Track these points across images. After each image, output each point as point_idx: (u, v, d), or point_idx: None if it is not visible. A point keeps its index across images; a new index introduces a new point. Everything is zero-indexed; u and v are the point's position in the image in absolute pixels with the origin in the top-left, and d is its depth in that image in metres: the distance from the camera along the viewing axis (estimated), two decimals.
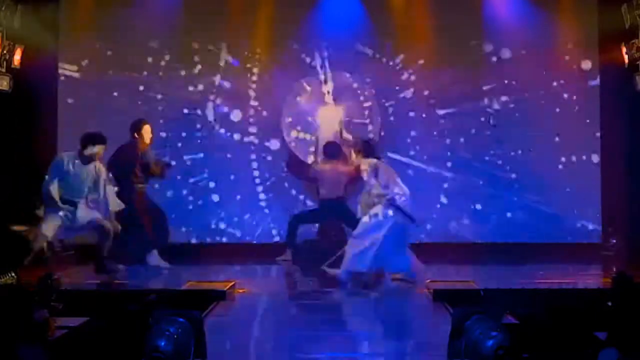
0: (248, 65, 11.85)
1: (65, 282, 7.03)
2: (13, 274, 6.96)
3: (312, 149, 11.50)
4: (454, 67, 11.79)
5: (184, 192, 11.79)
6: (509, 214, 11.77)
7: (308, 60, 11.86)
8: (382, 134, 11.79)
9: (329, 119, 11.64)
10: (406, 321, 7.67)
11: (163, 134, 11.71)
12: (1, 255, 9.60)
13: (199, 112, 11.84)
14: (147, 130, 10.31)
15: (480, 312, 5.35)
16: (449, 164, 11.82)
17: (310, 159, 11.46)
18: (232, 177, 11.81)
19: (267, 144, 11.84)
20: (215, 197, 11.81)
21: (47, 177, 9.13)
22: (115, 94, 11.73)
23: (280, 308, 8.29)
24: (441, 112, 11.84)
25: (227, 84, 11.86)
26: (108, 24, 11.65)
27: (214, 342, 5.82)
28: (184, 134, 11.82)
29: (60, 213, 9.03)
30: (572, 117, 11.80)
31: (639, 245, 10.85)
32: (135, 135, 10.24)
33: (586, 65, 11.83)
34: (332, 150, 11.08)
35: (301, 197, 11.77)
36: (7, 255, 9.60)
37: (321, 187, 11.00)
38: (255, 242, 11.77)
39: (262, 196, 11.82)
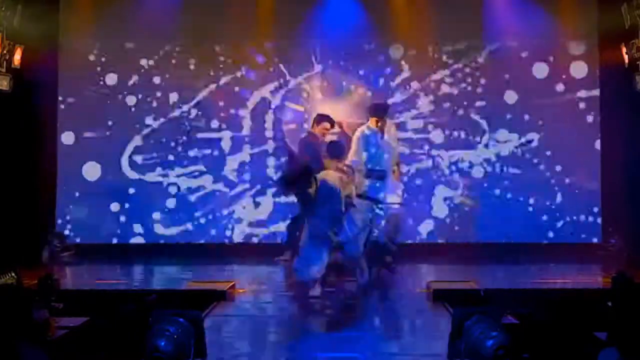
0: (247, 65, 11.85)
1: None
2: (13, 274, 6.97)
3: None
4: (454, 66, 11.81)
5: (185, 191, 11.79)
6: (509, 215, 11.77)
7: (307, 58, 11.85)
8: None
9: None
10: (406, 321, 7.67)
11: (162, 135, 11.75)
12: (1, 255, 9.63)
13: (198, 111, 11.84)
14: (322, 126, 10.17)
15: (480, 312, 5.35)
16: (448, 164, 11.82)
17: None
18: (233, 177, 11.80)
19: (266, 143, 11.83)
20: (216, 198, 11.81)
21: None
22: (115, 93, 11.74)
23: (280, 308, 8.29)
24: (441, 111, 11.84)
25: (226, 83, 11.86)
26: (108, 24, 11.65)
27: (214, 342, 5.82)
28: (182, 135, 11.82)
29: None
30: (571, 116, 11.80)
31: (639, 245, 10.85)
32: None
33: (586, 65, 11.82)
34: (336, 150, 10.81)
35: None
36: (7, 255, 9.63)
37: None
38: (255, 242, 11.77)
39: (262, 197, 11.81)
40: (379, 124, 9.65)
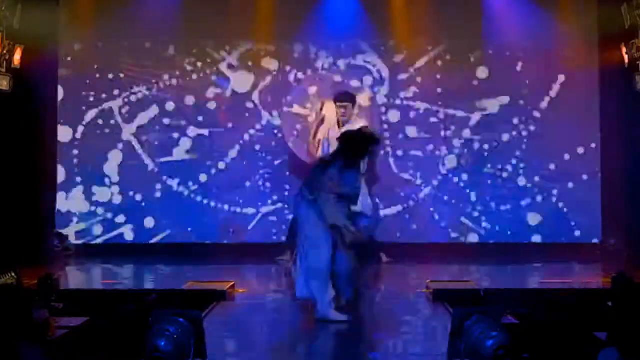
0: (248, 65, 11.85)
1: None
2: (13, 274, 6.97)
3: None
4: (454, 66, 11.81)
5: (185, 191, 11.79)
6: (508, 214, 11.77)
7: (308, 59, 11.86)
8: (383, 133, 11.79)
9: (330, 117, 11.63)
10: (406, 321, 7.66)
11: (162, 135, 11.76)
12: (1, 255, 9.63)
13: (198, 111, 11.84)
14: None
15: (480, 312, 5.35)
16: (448, 164, 11.82)
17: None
18: (232, 177, 11.81)
19: (268, 142, 11.83)
20: (216, 197, 11.81)
21: None
22: (115, 93, 11.75)
23: (280, 308, 8.29)
24: (442, 112, 11.85)
25: (226, 84, 11.86)
26: (108, 24, 11.64)
27: (214, 342, 5.82)
28: (183, 134, 11.83)
29: None
30: (571, 117, 11.79)
31: (639, 245, 10.85)
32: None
33: (586, 65, 11.82)
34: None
35: None
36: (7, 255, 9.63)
37: None
38: (255, 242, 11.76)
39: (263, 196, 11.82)
40: (339, 111, 9.50)
